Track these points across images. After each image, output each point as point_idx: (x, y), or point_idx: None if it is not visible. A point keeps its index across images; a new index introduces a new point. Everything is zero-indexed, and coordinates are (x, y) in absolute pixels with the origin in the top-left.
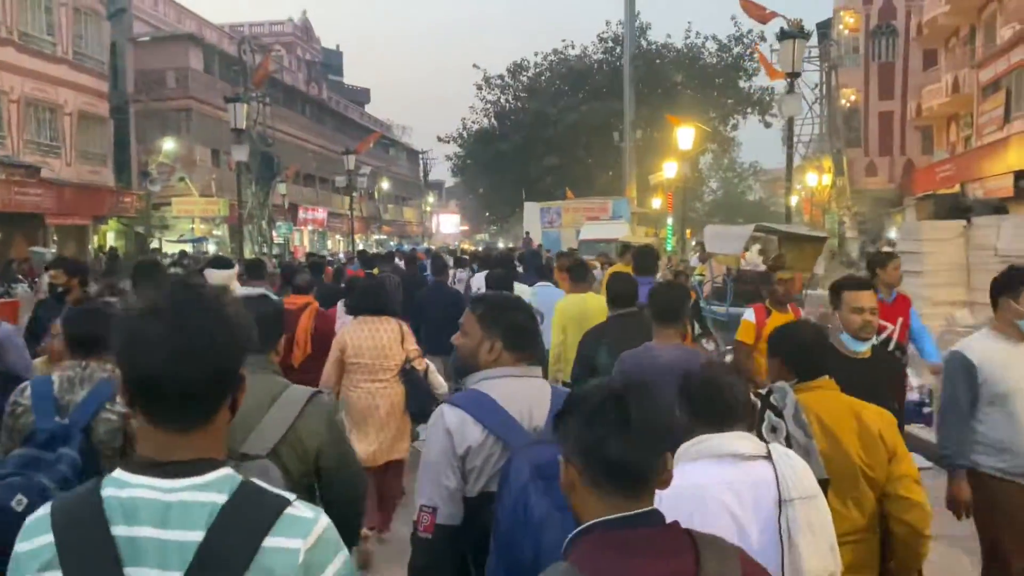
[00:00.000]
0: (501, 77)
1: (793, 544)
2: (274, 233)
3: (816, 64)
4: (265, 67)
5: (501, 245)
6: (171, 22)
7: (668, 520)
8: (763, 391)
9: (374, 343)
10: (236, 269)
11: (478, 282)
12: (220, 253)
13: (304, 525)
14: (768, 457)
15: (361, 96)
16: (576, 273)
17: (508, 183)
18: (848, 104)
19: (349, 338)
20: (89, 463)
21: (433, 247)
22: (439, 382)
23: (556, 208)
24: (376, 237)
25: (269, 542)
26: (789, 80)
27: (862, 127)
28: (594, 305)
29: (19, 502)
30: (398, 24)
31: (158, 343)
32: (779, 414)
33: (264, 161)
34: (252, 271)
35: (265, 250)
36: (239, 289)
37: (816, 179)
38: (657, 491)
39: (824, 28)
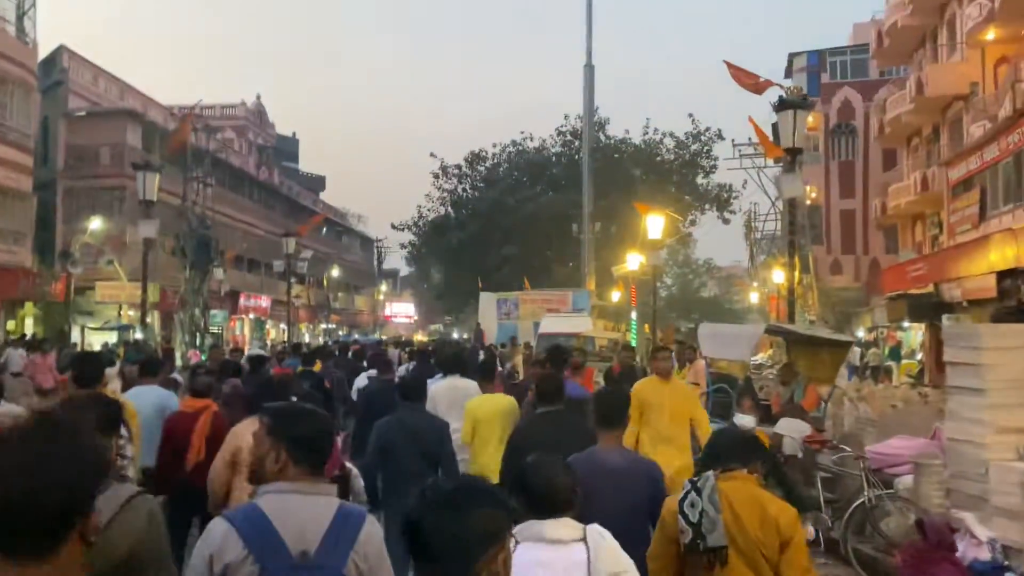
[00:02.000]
0: (459, 167)
1: None
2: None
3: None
4: (184, 132)
5: (455, 336)
6: (112, 99)
7: None
8: (694, 479)
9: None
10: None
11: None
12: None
13: None
14: (584, 540)
15: (316, 184)
16: (485, 370)
17: (464, 273)
18: (809, 202)
19: (240, 439)
20: None
21: (384, 337)
22: (359, 489)
23: (513, 299)
24: (324, 326)
25: None
26: (789, 158)
27: (823, 225)
28: (504, 404)
29: None
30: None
31: (6, 473)
32: (699, 494)
33: (200, 244)
34: (145, 369)
35: (198, 340)
36: (112, 385)
37: (783, 276)
38: None
39: (773, 131)
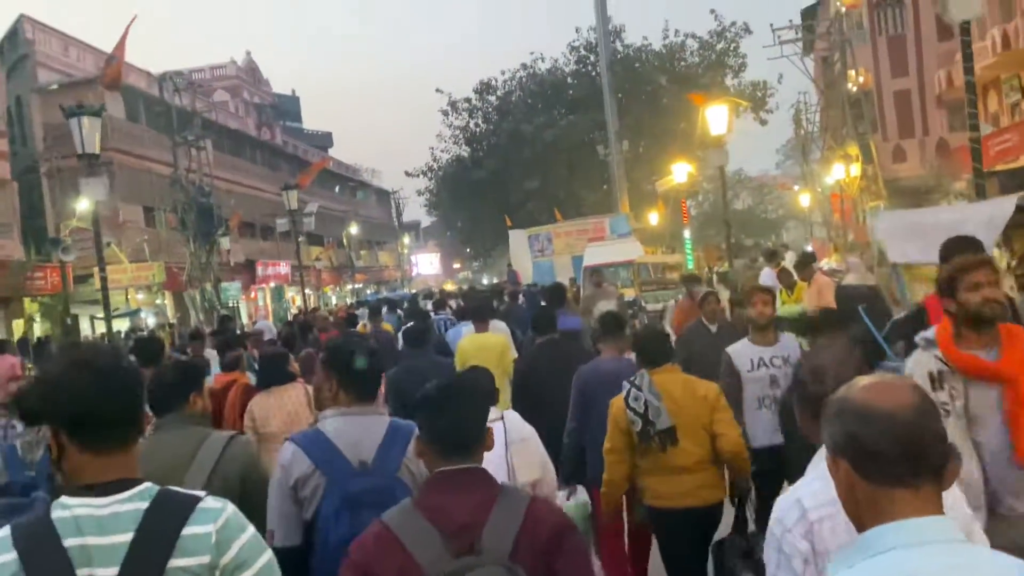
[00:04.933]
0: (468, 100)
1: (513, 467)
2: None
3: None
4: (118, 66)
5: (485, 281)
6: (87, 69)
7: None
8: (631, 378)
9: (280, 411)
10: None
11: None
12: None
13: (213, 514)
14: (502, 419)
15: (323, 140)
16: (476, 314)
17: (487, 213)
18: (855, 87)
19: (256, 409)
20: None
21: (415, 291)
22: None
23: (546, 234)
24: (350, 286)
25: (187, 531)
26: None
27: (877, 109)
28: (493, 342)
29: None
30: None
31: (85, 388)
32: (639, 389)
33: (202, 213)
34: (143, 355)
35: (215, 317)
36: None
37: (844, 170)
38: None
39: (809, 15)
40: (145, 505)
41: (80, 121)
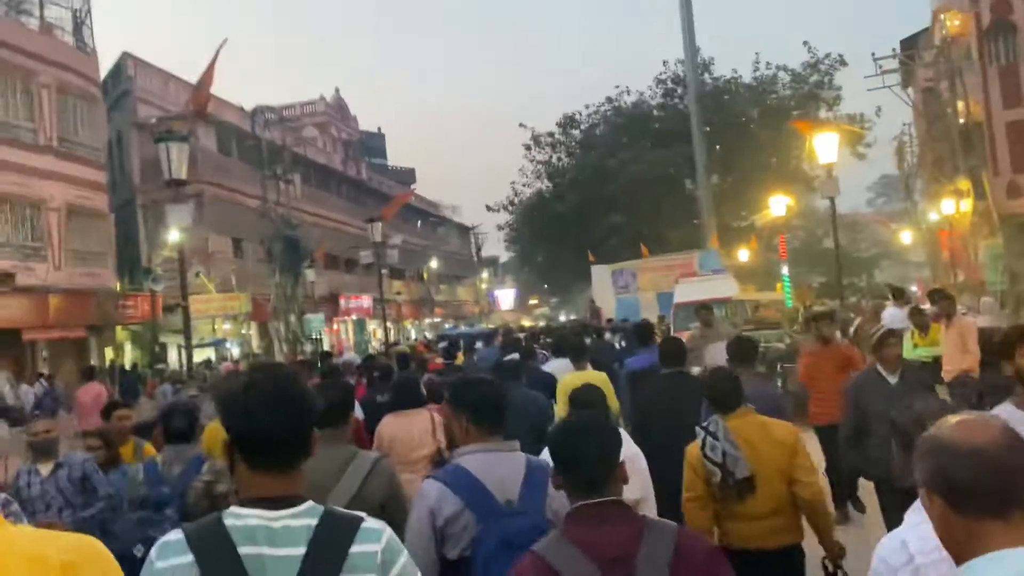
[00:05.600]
0: (551, 134)
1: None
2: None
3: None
4: (207, 91)
5: (563, 318)
6: (182, 104)
7: None
8: (704, 424)
9: (407, 434)
10: None
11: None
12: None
13: (376, 534)
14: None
15: (405, 177)
16: (576, 351)
17: (568, 249)
18: (963, 120)
19: (385, 430)
20: (185, 520)
21: (492, 326)
22: None
23: (630, 269)
24: (429, 320)
25: (355, 548)
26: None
27: (987, 142)
28: (596, 378)
29: (138, 550)
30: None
31: (263, 409)
32: (715, 437)
33: (288, 245)
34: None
35: (299, 349)
36: None
37: (954, 206)
38: None
39: (909, 45)
40: (314, 521)
41: (168, 147)
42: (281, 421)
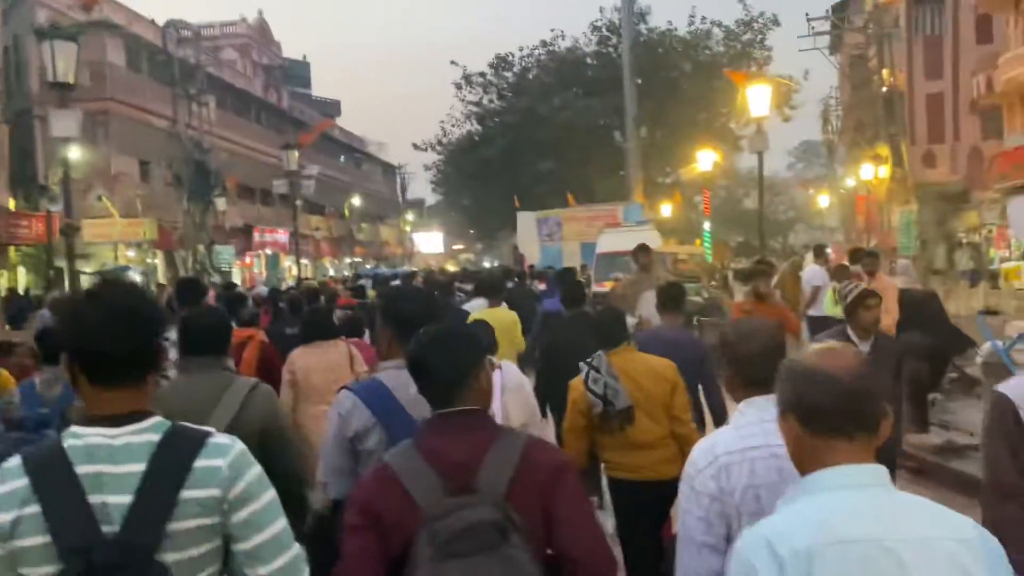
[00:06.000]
0: (483, 74)
1: (508, 411)
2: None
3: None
4: None
5: (487, 264)
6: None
7: None
8: (589, 359)
9: (324, 365)
10: None
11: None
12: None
13: (224, 449)
14: (499, 368)
15: (331, 109)
16: (491, 290)
17: (495, 194)
18: (886, 87)
19: (299, 361)
20: None
21: (415, 269)
22: None
23: (555, 218)
24: (349, 260)
25: (199, 463)
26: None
27: (907, 112)
28: (504, 316)
29: None
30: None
31: (99, 323)
32: (598, 371)
33: (199, 171)
34: (183, 295)
35: (207, 280)
36: None
37: (872, 171)
38: None
39: (841, 9)
40: (157, 437)
41: (53, 46)
42: (119, 335)
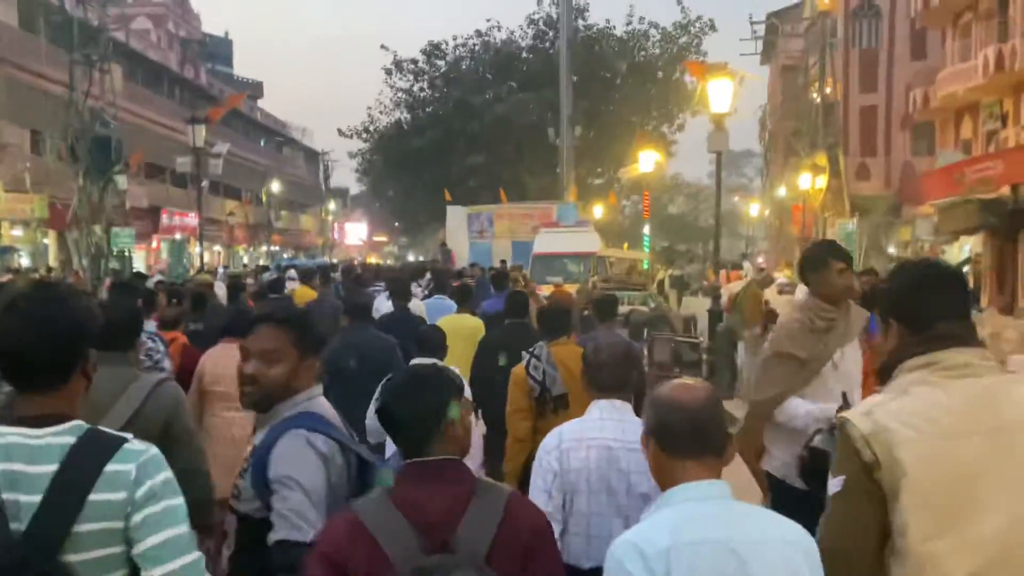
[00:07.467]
0: (414, 61)
1: None
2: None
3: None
4: None
5: (411, 258)
6: None
7: None
8: (531, 349)
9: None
10: None
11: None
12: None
13: (136, 454)
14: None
15: (253, 90)
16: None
17: (423, 186)
18: (820, 98)
19: (208, 364)
20: None
21: (336, 260)
22: None
23: (488, 214)
24: (265, 248)
25: (110, 467)
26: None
27: (841, 123)
28: (470, 323)
29: None
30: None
31: (16, 332)
32: (539, 359)
33: (99, 145)
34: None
35: (103, 266)
36: None
37: (810, 181)
38: None
39: (778, 15)
40: (73, 440)
41: None
42: (38, 344)
